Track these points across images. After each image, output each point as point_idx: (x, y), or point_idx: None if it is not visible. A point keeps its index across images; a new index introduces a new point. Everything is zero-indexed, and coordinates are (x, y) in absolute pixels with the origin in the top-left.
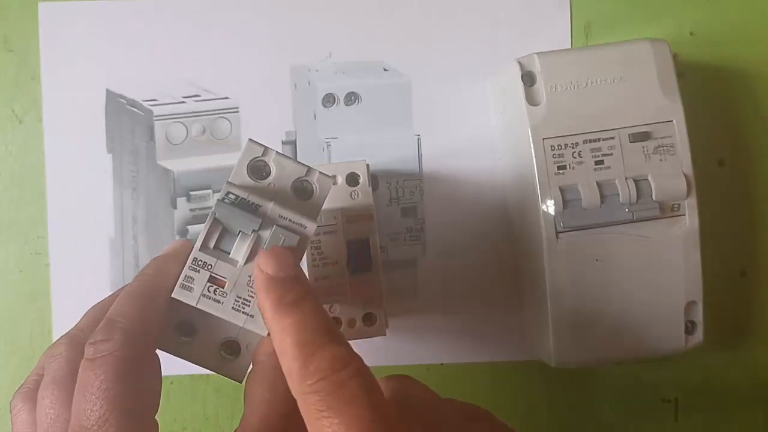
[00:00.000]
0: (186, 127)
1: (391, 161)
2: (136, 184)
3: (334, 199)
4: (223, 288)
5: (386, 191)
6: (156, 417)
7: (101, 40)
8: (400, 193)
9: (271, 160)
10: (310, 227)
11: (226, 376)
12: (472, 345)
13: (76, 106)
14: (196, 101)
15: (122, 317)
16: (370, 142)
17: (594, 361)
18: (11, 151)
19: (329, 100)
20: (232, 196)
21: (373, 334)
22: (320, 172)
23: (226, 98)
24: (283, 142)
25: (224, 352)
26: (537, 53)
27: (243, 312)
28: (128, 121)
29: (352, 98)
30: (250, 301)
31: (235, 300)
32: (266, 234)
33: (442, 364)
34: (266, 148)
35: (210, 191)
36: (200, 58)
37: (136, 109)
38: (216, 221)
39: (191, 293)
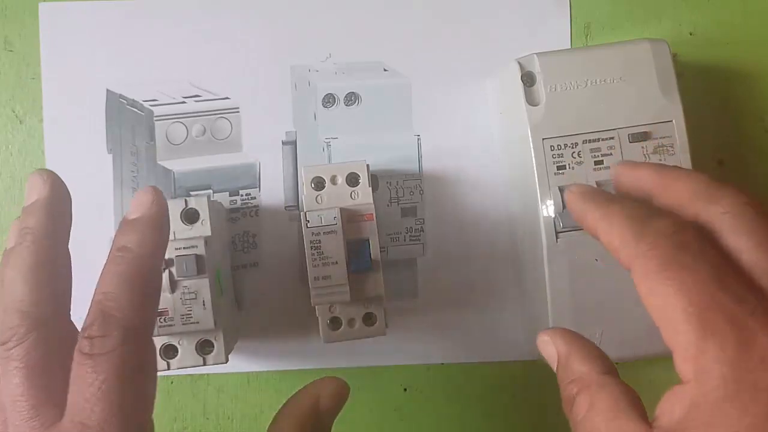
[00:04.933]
0: (186, 127)
1: (391, 161)
2: (136, 184)
3: (335, 199)
4: (169, 315)
5: (386, 191)
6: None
7: (101, 40)
8: (400, 193)
9: None
10: (201, 246)
11: (212, 365)
12: (472, 345)
13: (76, 106)
14: (197, 101)
15: (119, 310)
16: (370, 142)
17: None
18: (11, 151)
19: (329, 100)
20: None
21: (373, 334)
22: (193, 198)
23: (227, 98)
24: (283, 142)
25: (203, 351)
26: (537, 53)
27: (190, 323)
28: (128, 121)
29: (352, 98)
30: (191, 314)
31: (180, 317)
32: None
33: (442, 364)
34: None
35: (210, 191)
36: (200, 58)
37: (136, 109)
38: None
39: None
